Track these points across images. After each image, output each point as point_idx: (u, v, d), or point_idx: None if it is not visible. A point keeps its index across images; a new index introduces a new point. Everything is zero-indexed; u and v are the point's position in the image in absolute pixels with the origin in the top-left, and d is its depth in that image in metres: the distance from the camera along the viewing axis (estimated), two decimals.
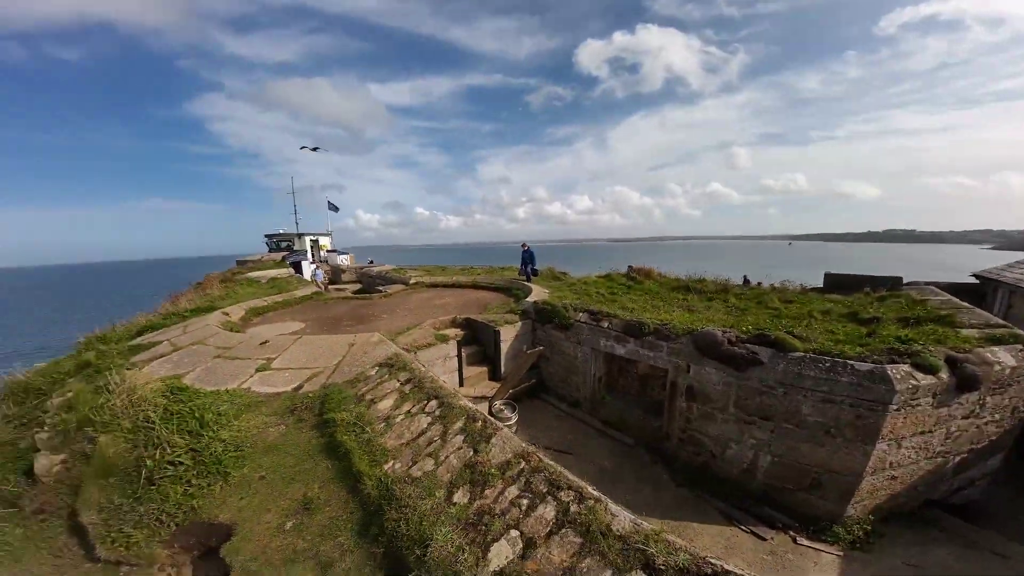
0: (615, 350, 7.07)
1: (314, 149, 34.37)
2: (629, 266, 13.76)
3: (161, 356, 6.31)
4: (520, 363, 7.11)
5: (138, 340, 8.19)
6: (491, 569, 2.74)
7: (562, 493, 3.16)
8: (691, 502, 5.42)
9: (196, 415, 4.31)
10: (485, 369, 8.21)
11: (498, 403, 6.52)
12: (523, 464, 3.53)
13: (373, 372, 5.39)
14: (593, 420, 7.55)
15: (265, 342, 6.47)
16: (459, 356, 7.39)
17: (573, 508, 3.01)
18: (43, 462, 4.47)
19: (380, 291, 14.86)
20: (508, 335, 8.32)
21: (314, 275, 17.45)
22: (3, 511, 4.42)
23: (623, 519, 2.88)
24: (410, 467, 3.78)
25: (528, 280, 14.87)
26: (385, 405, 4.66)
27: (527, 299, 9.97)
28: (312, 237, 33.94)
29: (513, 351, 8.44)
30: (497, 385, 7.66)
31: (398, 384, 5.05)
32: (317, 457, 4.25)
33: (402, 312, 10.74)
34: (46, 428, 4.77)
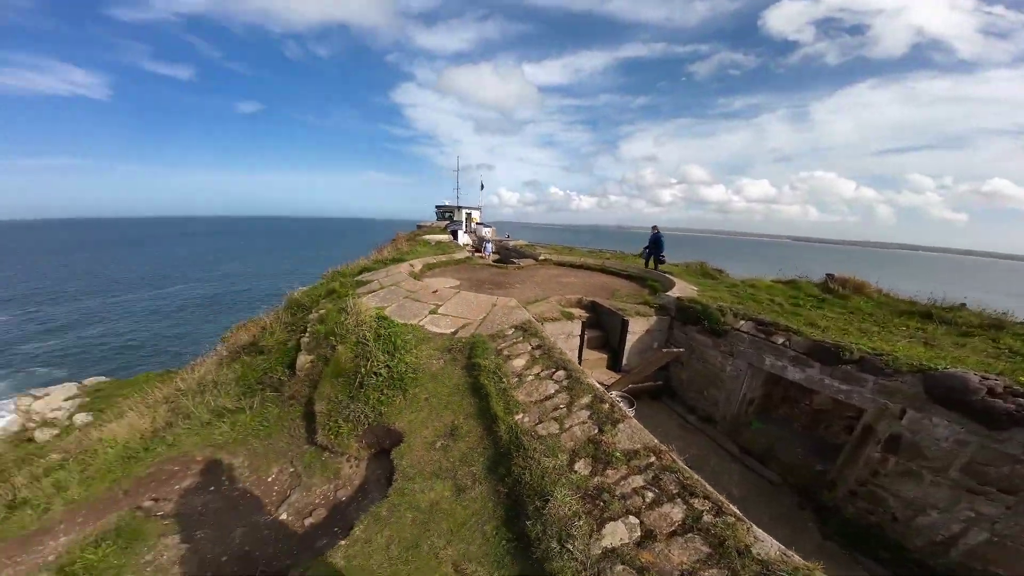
0: (786, 372, 6.02)
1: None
2: (828, 274, 11.05)
3: (372, 292, 8.61)
4: (650, 360, 6.76)
5: (360, 277, 11.00)
6: (604, 544, 2.76)
7: (696, 500, 3.00)
8: (839, 558, 4.66)
9: (392, 340, 5.62)
10: (604, 356, 8.08)
11: (615, 394, 6.51)
12: (652, 459, 3.43)
13: (510, 332, 6.12)
14: (729, 443, 6.72)
15: (436, 291, 8.12)
16: (581, 337, 7.65)
17: (707, 518, 2.84)
18: (301, 359, 6.32)
19: (514, 263, 16.12)
20: (637, 327, 7.96)
21: (484, 247, 19.75)
22: (271, 394, 6.23)
23: (769, 545, 2.62)
24: (536, 424, 4.09)
25: (654, 266, 13.55)
26: (518, 363, 5.14)
27: (668, 293, 9.21)
28: (467, 210, 39.08)
29: (641, 345, 8.06)
30: (615, 376, 7.46)
31: (530, 348, 5.49)
32: (464, 392, 4.89)
33: (531, 284, 11.55)
34: (307, 334, 6.93)
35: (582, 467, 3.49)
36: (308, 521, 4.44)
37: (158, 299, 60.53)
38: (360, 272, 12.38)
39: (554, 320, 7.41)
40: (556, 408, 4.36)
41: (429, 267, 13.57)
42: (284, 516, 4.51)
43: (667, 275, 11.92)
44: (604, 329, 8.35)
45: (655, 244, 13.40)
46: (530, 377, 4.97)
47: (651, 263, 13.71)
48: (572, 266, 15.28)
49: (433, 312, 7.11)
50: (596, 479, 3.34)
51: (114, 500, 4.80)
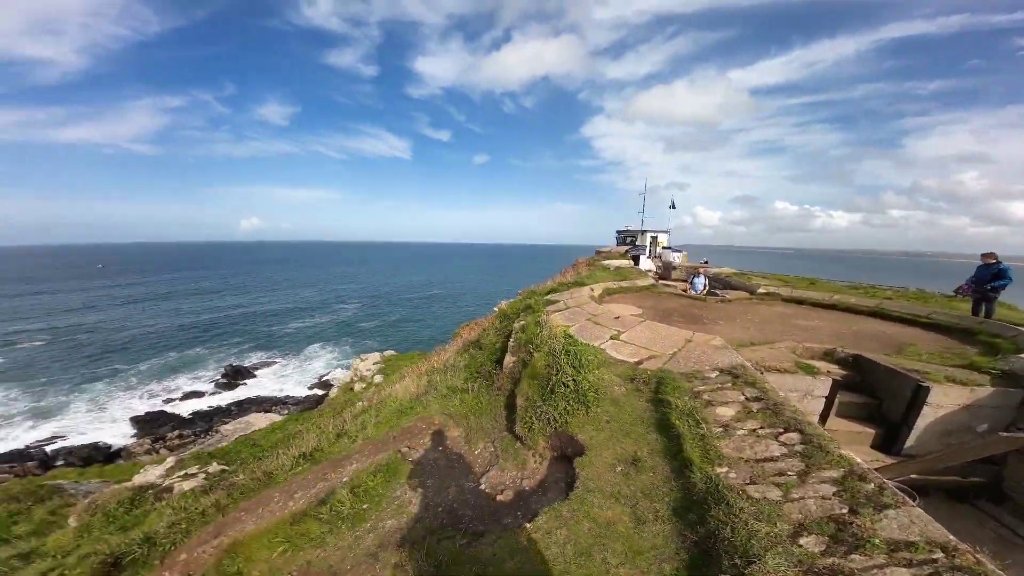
0: None
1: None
2: None
3: (559, 311, 9.24)
4: (967, 448, 4.63)
5: (548, 296, 12.19)
6: None
7: None
8: None
9: (578, 357, 5.81)
10: (867, 431, 5.75)
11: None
12: (940, 556, 2.36)
13: (712, 375, 5.18)
14: None
15: (618, 317, 7.94)
16: (829, 399, 5.63)
17: None
18: (507, 359, 7.28)
19: (717, 295, 13.77)
20: (945, 399, 5.36)
21: (692, 284, 16.63)
22: (484, 383, 7.39)
23: None
24: (746, 483, 3.39)
25: (986, 315, 8.78)
26: (724, 412, 4.34)
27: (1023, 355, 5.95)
28: (652, 234, 36.38)
29: (950, 425, 5.40)
30: (878, 456, 5.35)
31: (743, 397, 4.56)
32: (648, 426, 4.59)
33: (743, 323, 9.45)
34: (512, 339, 8.29)
35: (811, 544, 2.68)
36: (499, 497, 4.89)
37: (425, 297, 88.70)
38: (548, 292, 13.55)
39: (783, 372, 5.80)
40: (781, 473, 3.45)
41: (609, 292, 13.38)
42: (483, 487, 5.21)
43: (1017, 327, 7.53)
44: (874, 394, 5.93)
45: (992, 279, 9.04)
46: (741, 431, 4.08)
47: (982, 310, 9.27)
48: (816, 304, 11.65)
49: (614, 338, 6.89)
50: (831, 560, 2.51)
51: (388, 442, 6.75)
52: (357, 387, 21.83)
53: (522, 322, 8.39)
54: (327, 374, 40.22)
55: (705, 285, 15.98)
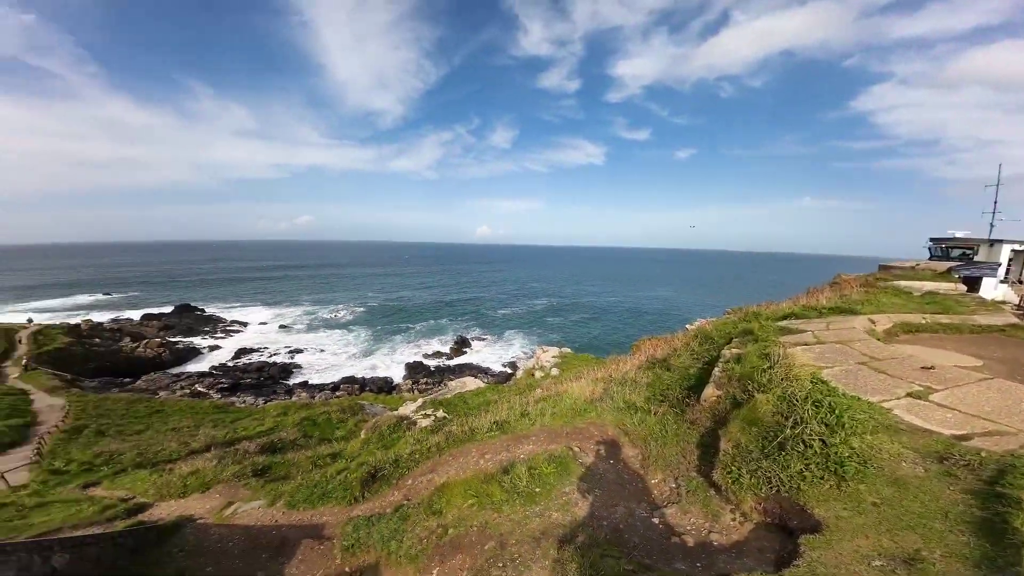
0: None
1: None
2: None
3: (804, 344, 6.86)
4: None
5: (784, 323, 9.34)
6: None
7: None
8: None
9: (834, 411, 4.12)
10: None
11: None
12: None
13: None
14: None
15: (929, 368, 5.06)
16: None
17: None
18: (708, 391, 6.07)
19: None
20: None
21: None
22: (671, 409, 6.53)
23: None
24: None
25: None
26: None
27: None
28: (1018, 246, 21.62)
29: None
30: None
31: None
32: (957, 524, 3.00)
33: None
34: (717, 368, 6.79)
35: None
36: (674, 539, 4.23)
37: (607, 303, 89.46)
38: (783, 317, 10.41)
39: None
40: None
41: (909, 328, 8.91)
42: (656, 520, 4.62)
43: None
44: None
45: None
46: None
47: None
48: None
49: (915, 396, 4.45)
50: None
51: (561, 435, 7.05)
52: (537, 374, 23.99)
53: (736, 350, 6.81)
54: (516, 356, 47.22)
55: None
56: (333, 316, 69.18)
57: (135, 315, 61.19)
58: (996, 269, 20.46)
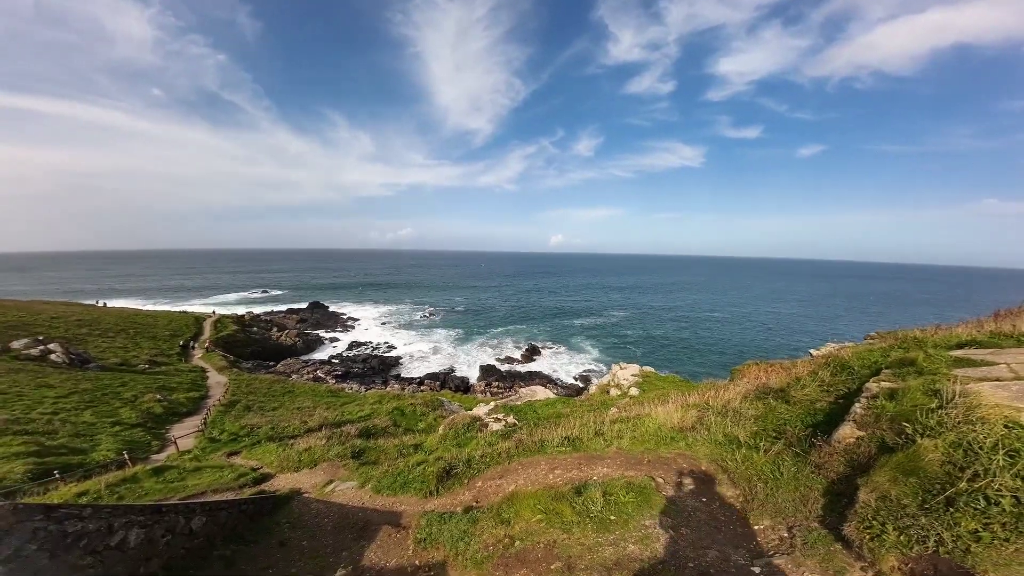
0: None
1: None
2: None
3: (995, 379, 4.99)
4: None
5: (961, 352, 7.16)
6: None
7: None
8: None
9: None
10: None
11: None
12: None
13: None
14: None
15: None
16: None
17: None
18: (845, 430, 4.81)
19: None
20: None
21: None
22: (787, 449, 5.28)
23: None
24: None
25: None
26: None
27: None
28: None
29: None
30: None
31: None
32: None
33: None
34: (858, 404, 5.33)
35: None
36: None
37: (699, 318, 79.63)
38: (959, 345, 7.90)
39: None
40: None
41: None
42: (757, 570, 3.82)
43: None
44: None
45: None
46: None
47: None
48: None
49: None
50: None
51: (641, 463, 6.28)
52: (612, 392, 22.39)
53: (888, 384, 5.33)
54: (589, 369, 45.13)
55: None
56: (424, 317, 75.95)
57: (281, 309, 75.14)
58: None
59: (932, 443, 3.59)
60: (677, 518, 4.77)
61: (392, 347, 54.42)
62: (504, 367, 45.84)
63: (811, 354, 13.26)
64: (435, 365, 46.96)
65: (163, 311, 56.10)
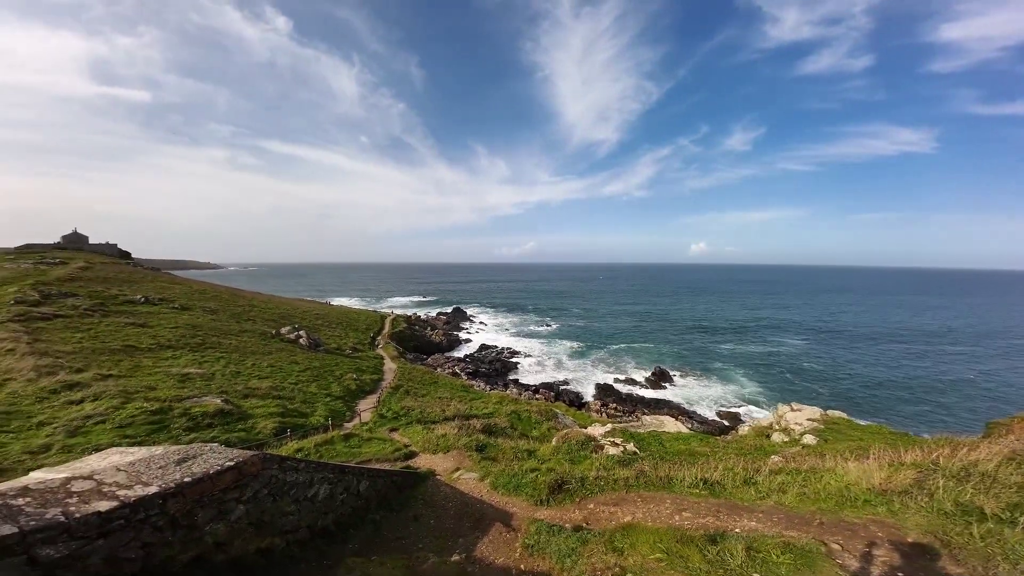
0: None
1: None
2: None
3: None
4: None
5: None
6: None
7: None
8: None
9: None
10: None
11: None
12: None
13: None
14: None
15: None
16: None
17: None
18: None
19: None
20: None
21: None
22: None
23: None
24: None
25: None
26: None
27: None
28: None
29: None
30: None
31: None
32: None
33: None
34: None
35: None
36: None
37: (927, 347, 57.02)
38: None
39: None
40: None
41: None
42: None
43: None
44: None
45: None
46: None
47: None
48: None
49: None
50: None
51: (810, 524, 4.71)
52: (776, 437, 17.78)
53: None
54: (738, 407, 36.81)
55: None
56: (544, 327, 77.35)
57: (433, 312, 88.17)
58: None
59: None
60: None
61: (514, 352, 56.87)
62: (624, 388, 42.21)
63: None
64: (550, 375, 46.81)
65: (363, 310, 72.62)
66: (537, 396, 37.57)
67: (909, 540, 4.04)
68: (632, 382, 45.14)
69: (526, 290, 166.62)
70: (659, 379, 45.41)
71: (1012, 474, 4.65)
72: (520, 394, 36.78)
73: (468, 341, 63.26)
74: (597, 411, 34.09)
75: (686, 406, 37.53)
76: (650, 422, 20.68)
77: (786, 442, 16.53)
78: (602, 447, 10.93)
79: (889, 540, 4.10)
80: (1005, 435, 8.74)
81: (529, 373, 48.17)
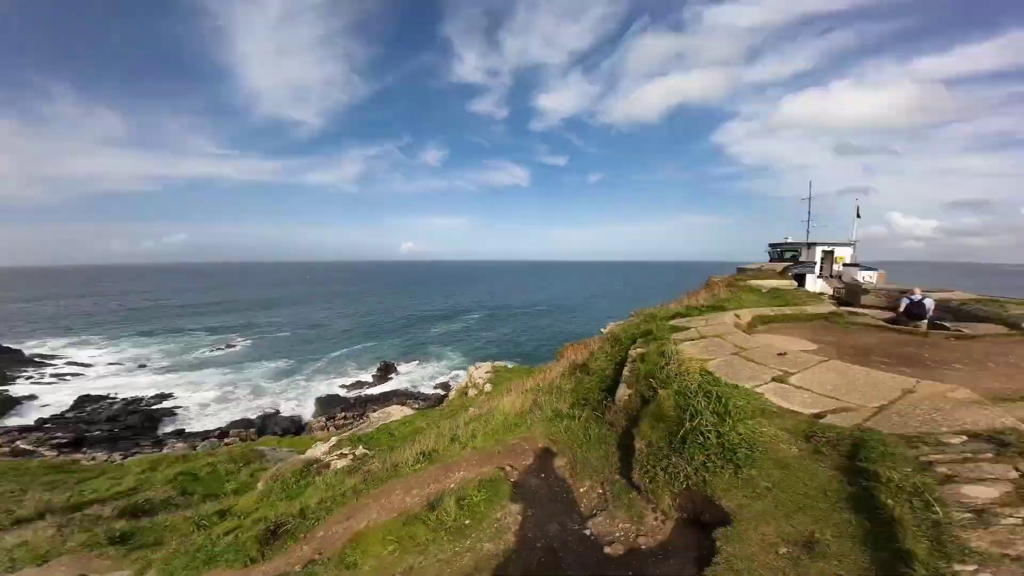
0: None
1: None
2: None
3: (691, 340, 7.62)
4: None
5: (674, 322, 10.43)
6: None
7: None
8: None
9: (723, 401, 4.46)
10: None
11: None
12: None
13: (956, 440, 3.35)
14: None
15: (783, 354, 6.00)
16: None
17: None
18: (620, 391, 6.23)
19: (947, 327, 9.49)
20: None
21: (906, 308, 11.17)
22: (592, 412, 6.54)
23: None
24: None
25: None
26: (979, 492, 2.87)
27: None
28: (826, 247, 28.15)
29: None
30: None
31: (1017, 474, 2.98)
32: (836, 501, 3.33)
33: (1004, 369, 6.12)
34: (627, 368, 7.10)
35: None
36: (607, 549, 4.15)
37: (537, 312, 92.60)
38: (673, 316, 11.58)
39: None
40: None
41: (763, 320, 10.65)
42: (588, 532, 4.49)
43: None
44: None
45: None
46: (1010, 520, 2.64)
47: None
48: None
49: (779, 380, 5.17)
50: None
51: (493, 456, 6.63)
52: (471, 392, 23.19)
53: (640, 350, 7.25)
54: (449, 375, 45.08)
55: (930, 310, 11.14)
56: (222, 350, 57.65)
57: None
58: (814, 267, 26.11)
59: (666, 392, 5.14)
60: (524, 502, 5.24)
61: (166, 395, 39.29)
62: (351, 394, 40.37)
63: (601, 332, 16.88)
64: (245, 409, 36.52)
65: None
66: (227, 440, 28.46)
67: (540, 445, 6.47)
68: (360, 384, 43.70)
69: (186, 301, 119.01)
70: (386, 373, 46.79)
71: (566, 383, 8.45)
72: (195, 447, 26.50)
73: (33, 398, 37.70)
74: (322, 428, 30.44)
75: (412, 389, 41.10)
76: (378, 417, 20.99)
77: (478, 394, 21.87)
78: (328, 465, 10.03)
79: (531, 450, 6.45)
80: (562, 359, 15.54)
81: (205, 416, 35.33)
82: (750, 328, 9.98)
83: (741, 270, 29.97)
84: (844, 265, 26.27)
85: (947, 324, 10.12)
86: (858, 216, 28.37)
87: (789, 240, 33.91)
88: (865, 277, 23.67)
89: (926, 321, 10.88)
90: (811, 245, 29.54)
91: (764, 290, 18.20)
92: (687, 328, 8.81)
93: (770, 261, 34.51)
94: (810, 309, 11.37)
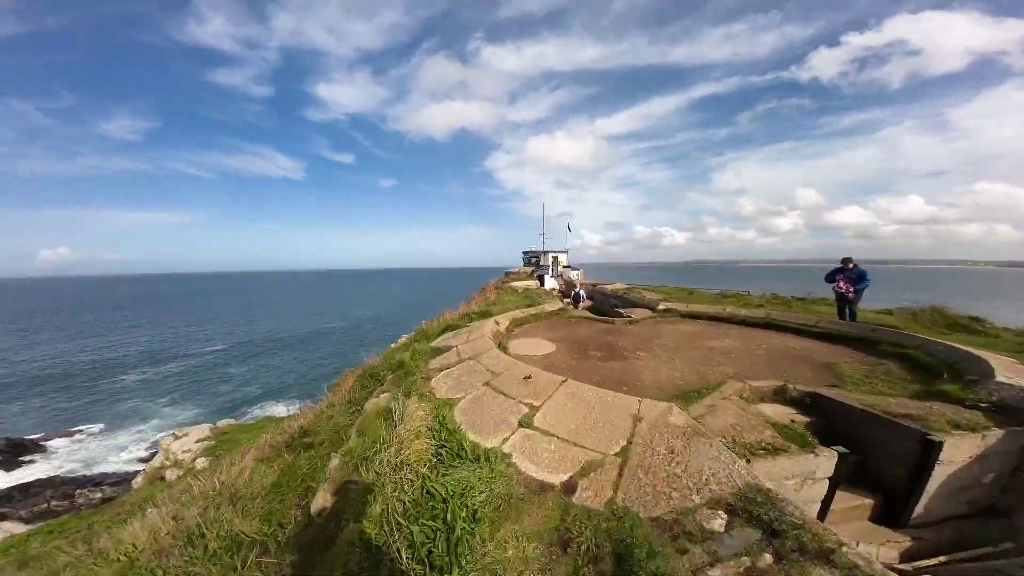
0: None
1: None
2: None
3: (447, 368, 5.91)
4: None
5: (439, 341, 8.49)
6: None
7: None
8: None
9: (446, 513, 2.75)
10: (864, 502, 4.10)
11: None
12: None
13: (718, 524, 2.56)
14: None
15: (528, 377, 5.18)
16: (834, 480, 3.81)
17: None
18: (317, 501, 3.86)
19: (622, 315, 12.54)
20: (959, 452, 3.93)
21: (574, 295, 18.91)
22: (278, 546, 3.88)
23: None
24: None
25: (850, 317, 9.70)
26: None
27: (1001, 378, 4.88)
28: (553, 254, 36.99)
29: (961, 482, 3.99)
30: (890, 535, 3.93)
31: None
32: None
33: (663, 353, 7.81)
34: (336, 457, 4.21)
35: None
36: None
37: (318, 331, 72.79)
38: (443, 331, 10.23)
39: (773, 451, 3.73)
40: None
41: (517, 323, 10.88)
42: None
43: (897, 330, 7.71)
44: (857, 447, 4.34)
45: (857, 281, 9.53)
46: None
47: (847, 312, 9.87)
48: (712, 319, 10.98)
49: (525, 424, 4.05)
50: None
51: None
52: (170, 475, 14.79)
53: (376, 400, 4.98)
54: (162, 434, 29.38)
55: (581, 298, 18.07)
56: None
57: None
58: (549, 269, 33.18)
59: (377, 504, 2.98)
60: None
61: None
62: None
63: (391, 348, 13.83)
64: None
65: None
66: None
67: None
68: None
69: None
70: (15, 456, 25.27)
71: (267, 475, 5.01)
72: None
73: None
74: None
75: (83, 472, 23.94)
76: None
77: (182, 476, 13.80)
78: None
79: None
80: (336, 394, 11.12)
81: None
82: (508, 334, 9.80)
83: (508, 274, 34.81)
84: (563, 267, 35.21)
85: (621, 310, 13.51)
86: (569, 231, 39.31)
87: (534, 249, 43.36)
88: (575, 276, 32.30)
89: (582, 304, 17.09)
90: (546, 252, 38.43)
91: (520, 290, 20.47)
92: (449, 349, 7.29)
93: (524, 265, 42.66)
94: (547, 307, 12.74)
